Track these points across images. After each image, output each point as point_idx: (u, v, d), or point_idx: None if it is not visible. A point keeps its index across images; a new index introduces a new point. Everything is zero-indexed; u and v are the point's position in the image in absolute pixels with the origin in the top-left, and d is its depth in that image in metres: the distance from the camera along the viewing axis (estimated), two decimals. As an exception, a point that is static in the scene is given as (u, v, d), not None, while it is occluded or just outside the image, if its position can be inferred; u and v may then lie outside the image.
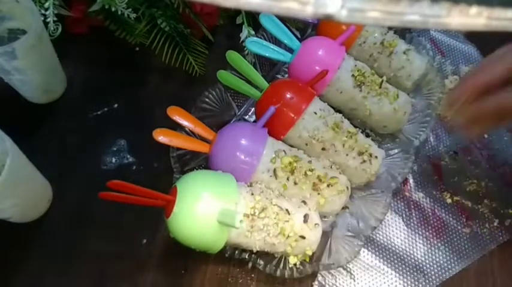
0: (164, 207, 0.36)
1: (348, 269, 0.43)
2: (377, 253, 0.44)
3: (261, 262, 0.39)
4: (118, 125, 0.51)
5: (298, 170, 0.40)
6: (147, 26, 0.53)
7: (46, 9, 0.47)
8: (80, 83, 0.53)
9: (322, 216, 0.42)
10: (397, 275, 0.43)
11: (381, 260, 0.44)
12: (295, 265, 0.39)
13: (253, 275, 0.42)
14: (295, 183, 0.40)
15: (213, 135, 0.41)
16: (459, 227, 0.46)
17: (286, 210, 0.37)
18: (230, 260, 0.41)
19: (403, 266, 0.44)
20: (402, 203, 0.47)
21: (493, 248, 0.45)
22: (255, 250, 0.38)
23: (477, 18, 0.16)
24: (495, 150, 0.52)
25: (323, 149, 0.44)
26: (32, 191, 0.42)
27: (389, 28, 0.53)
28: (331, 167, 0.43)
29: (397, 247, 0.45)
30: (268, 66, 0.54)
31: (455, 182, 0.49)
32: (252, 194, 0.37)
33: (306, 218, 0.38)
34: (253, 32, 0.51)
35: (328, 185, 0.41)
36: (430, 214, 0.47)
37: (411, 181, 0.49)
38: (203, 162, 0.45)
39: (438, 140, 0.52)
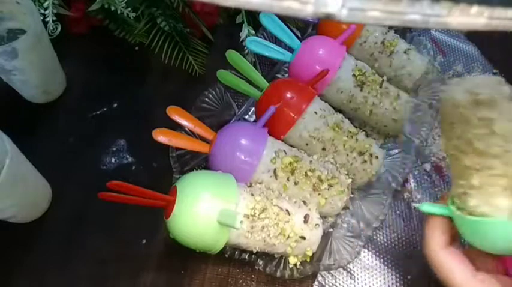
0: (164, 207, 0.36)
1: (348, 270, 0.43)
2: (377, 254, 0.44)
3: (261, 263, 0.39)
4: (117, 125, 0.50)
5: (298, 170, 0.40)
6: (146, 25, 0.53)
7: (45, 9, 0.46)
8: (80, 83, 0.53)
9: (323, 216, 0.42)
10: (398, 275, 0.43)
11: (381, 260, 0.44)
12: (295, 265, 0.39)
13: (253, 275, 0.42)
14: (296, 183, 0.40)
15: (213, 135, 0.41)
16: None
17: (287, 210, 0.37)
18: (230, 260, 0.41)
19: (404, 266, 0.43)
20: (403, 203, 0.47)
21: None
22: (255, 251, 0.38)
23: (478, 18, 0.16)
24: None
25: (323, 149, 0.44)
26: (32, 191, 0.42)
27: (390, 27, 0.53)
28: (336, 169, 0.43)
29: (397, 247, 0.44)
30: (268, 66, 0.54)
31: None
32: (252, 194, 0.37)
33: (306, 218, 0.38)
34: (253, 32, 0.51)
35: (328, 186, 0.41)
36: (430, 214, 0.47)
37: (412, 181, 0.49)
38: (203, 162, 0.45)
39: (439, 139, 0.52)
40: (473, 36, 0.60)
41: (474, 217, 0.27)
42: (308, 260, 0.39)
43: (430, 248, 0.31)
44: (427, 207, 0.31)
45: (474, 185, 0.27)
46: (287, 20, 0.53)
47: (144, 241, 0.43)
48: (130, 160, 0.48)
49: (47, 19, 0.47)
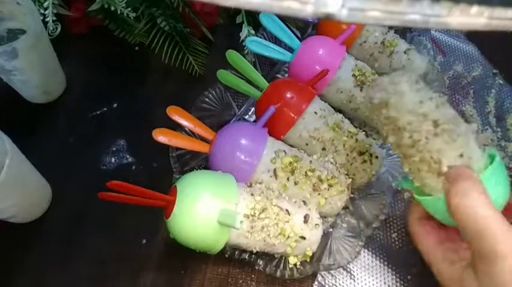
0: (164, 207, 0.36)
1: (348, 270, 0.43)
2: (377, 253, 0.44)
3: (261, 263, 0.39)
4: (117, 125, 0.50)
5: (298, 170, 0.40)
6: (146, 25, 0.53)
7: (45, 9, 0.46)
8: (80, 83, 0.53)
9: (323, 216, 0.42)
10: (397, 275, 0.43)
11: (381, 260, 0.44)
12: (295, 265, 0.39)
13: (253, 275, 0.42)
14: (296, 183, 0.40)
15: (213, 135, 0.41)
16: (460, 227, 0.46)
17: (287, 210, 0.37)
18: (230, 260, 0.41)
19: (404, 266, 0.43)
20: (403, 203, 0.47)
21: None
22: (255, 251, 0.38)
23: (478, 18, 0.16)
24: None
25: (323, 149, 0.44)
26: (32, 191, 0.42)
27: (390, 27, 0.53)
28: (336, 169, 0.43)
29: (397, 247, 0.44)
30: (268, 66, 0.54)
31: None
32: (252, 194, 0.37)
33: (306, 218, 0.38)
34: (253, 32, 0.51)
35: (328, 186, 0.41)
36: (430, 214, 0.47)
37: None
38: (203, 162, 0.45)
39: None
40: (473, 36, 0.60)
41: (418, 197, 0.30)
42: (308, 260, 0.39)
43: (408, 220, 0.34)
44: (405, 184, 0.34)
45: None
46: (287, 20, 0.53)
47: (144, 241, 0.43)
48: (130, 160, 0.48)
49: (47, 19, 0.47)
